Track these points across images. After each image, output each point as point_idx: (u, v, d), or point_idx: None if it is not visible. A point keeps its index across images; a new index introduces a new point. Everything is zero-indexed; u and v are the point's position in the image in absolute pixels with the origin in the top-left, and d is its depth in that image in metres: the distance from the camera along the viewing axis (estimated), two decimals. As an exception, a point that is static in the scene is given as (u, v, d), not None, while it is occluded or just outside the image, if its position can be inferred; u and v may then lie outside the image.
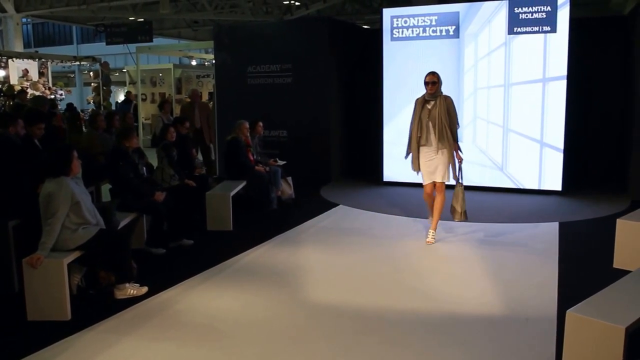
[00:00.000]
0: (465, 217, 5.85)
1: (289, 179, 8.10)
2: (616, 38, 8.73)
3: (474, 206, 7.45)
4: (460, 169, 5.81)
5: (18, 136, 5.39)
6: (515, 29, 7.96)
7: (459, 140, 5.83)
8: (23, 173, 4.97)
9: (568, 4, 7.64)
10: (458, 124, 5.82)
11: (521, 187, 8.20)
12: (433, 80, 5.71)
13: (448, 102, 5.73)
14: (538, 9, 7.80)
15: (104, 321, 3.99)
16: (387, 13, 8.80)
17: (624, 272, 4.12)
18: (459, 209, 5.82)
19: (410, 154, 5.86)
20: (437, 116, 5.64)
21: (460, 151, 5.83)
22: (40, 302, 4.00)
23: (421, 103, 5.78)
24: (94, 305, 4.29)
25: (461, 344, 3.61)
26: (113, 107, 17.31)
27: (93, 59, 16.16)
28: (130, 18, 17.63)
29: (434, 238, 5.88)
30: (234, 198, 6.66)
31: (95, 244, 4.25)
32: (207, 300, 4.43)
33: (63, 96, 15.97)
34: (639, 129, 7.48)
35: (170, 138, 6.70)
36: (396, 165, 8.31)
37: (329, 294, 4.49)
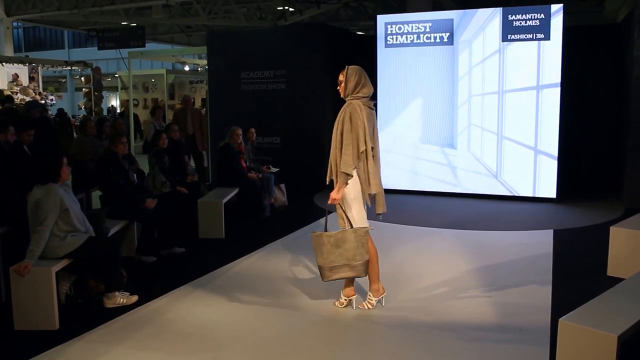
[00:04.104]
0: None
1: (282, 186, 8.05)
2: (609, 46, 8.78)
3: (469, 214, 7.48)
4: (349, 217, 4.33)
5: (7, 143, 5.34)
6: (509, 36, 7.98)
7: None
8: (11, 180, 4.91)
9: (561, 11, 7.68)
10: (365, 142, 3.99)
11: (515, 195, 8.19)
12: (339, 79, 4.02)
13: (348, 110, 3.94)
14: (532, 16, 7.83)
15: (92, 330, 3.93)
16: (382, 20, 8.81)
17: (617, 280, 4.11)
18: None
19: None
20: (334, 132, 4.04)
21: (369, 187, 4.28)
22: (28, 311, 3.93)
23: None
24: (83, 315, 4.23)
25: (454, 353, 3.57)
26: (104, 113, 17.24)
27: (84, 64, 16.11)
28: (123, 23, 17.58)
29: (371, 302, 4.23)
30: (226, 205, 6.61)
31: (85, 251, 4.20)
32: (198, 309, 4.37)
33: (54, 101, 15.93)
34: (633, 136, 7.50)
35: (162, 145, 6.65)
36: (390, 172, 8.27)
37: (321, 303, 4.44)
